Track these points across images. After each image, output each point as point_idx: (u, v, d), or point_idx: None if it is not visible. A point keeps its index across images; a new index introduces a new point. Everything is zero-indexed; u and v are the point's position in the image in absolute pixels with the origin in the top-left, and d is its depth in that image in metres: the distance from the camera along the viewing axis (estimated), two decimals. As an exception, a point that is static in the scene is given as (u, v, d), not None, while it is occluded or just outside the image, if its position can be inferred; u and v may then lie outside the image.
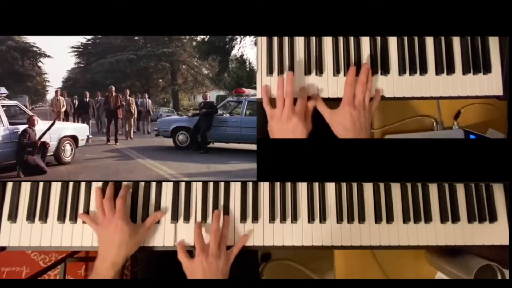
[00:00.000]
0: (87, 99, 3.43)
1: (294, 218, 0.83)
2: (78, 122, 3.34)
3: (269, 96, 0.82)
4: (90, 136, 2.66)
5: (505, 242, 0.83)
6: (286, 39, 0.85)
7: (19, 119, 2.23)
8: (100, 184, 0.83)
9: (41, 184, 0.83)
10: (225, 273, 0.77)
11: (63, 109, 3.23)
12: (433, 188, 0.85)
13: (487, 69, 0.85)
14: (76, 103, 3.47)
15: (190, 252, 0.79)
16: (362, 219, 0.83)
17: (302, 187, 0.84)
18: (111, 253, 0.75)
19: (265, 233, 0.82)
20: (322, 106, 0.82)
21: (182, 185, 0.84)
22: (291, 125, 0.78)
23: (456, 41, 0.86)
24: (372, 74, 0.84)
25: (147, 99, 3.79)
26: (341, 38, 0.85)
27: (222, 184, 0.85)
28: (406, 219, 0.83)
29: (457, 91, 0.85)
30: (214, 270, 0.75)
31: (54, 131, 2.22)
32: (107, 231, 0.76)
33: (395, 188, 0.85)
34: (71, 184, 0.83)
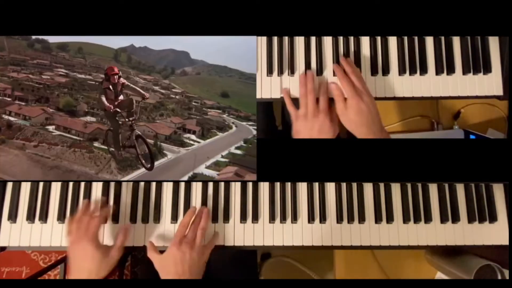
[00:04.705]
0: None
1: (294, 218, 0.83)
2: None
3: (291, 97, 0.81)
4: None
5: (505, 242, 0.83)
6: (286, 39, 0.85)
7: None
8: (100, 184, 0.83)
9: (41, 184, 0.83)
10: (199, 267, 0.73)
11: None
12: (433, 188, 0.85)
13: (487, 69, 0.85)
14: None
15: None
16: (362, 219, 0.83)
17: (302, 187, 0.84)
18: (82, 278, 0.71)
19: (265, 233, 0.82)
20: (339, 97, 0.78)
21: (182, 185, 0.84)
22: (318, 123, 0.76)
23: (456, 41, 0.86)
24: (372, 74, 0.84)
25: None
26: (341, 38, 0.85)
27: (222, 184, 0.85)
28: (406, 219, 0.83)
29: (457, 91, 0.85)
30: (188, 260, 0.71)
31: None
32: (75, 254, 0.73)
33: (395, 188, 0.85)
34: (71, 184, 0.84)
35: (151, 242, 0.78)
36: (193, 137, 1.97)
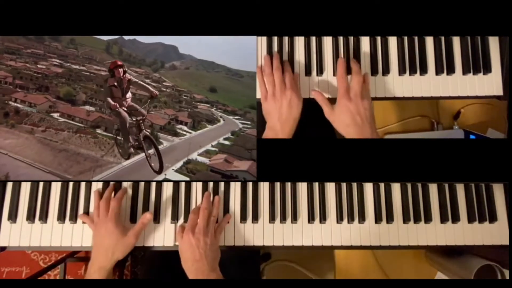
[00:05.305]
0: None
1: (294, 218, 0.83)
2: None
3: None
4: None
5: (505, 242, 0.83)
6: (286, 39, 0.85)
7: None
8: (100, 184, 0.83)
9: (41, 184, 0.83)
10: (214, 251, 0.75)
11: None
12: (433, 188, 0.85)
13: (487, 69, 0.85)
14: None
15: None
16: (362, 219, 0.83)
17: (302, 187, 0.84)
18: (99, 256, 0.74)
19: (265, 233, 0.82)
20: (323, 102, 0.80)
21: (182, 185, 0.84)
22: (286, 99, 0.77)
23: (456, 41, 0.86)
24: (372, 74, 0.84)
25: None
26: (341, 38, 0.85)
27: (222, 184, 0.85)
28: (406, 219, 0.83)
29: (457, 91, 0.85)
30: (202, 246, 0.73)
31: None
32: (98, 233, 0.76)
33: (395, 188, 0.85)
34: (71, 184, 0.84)
35: (180, 227, 0.79)
36: (185, 128, 2.11)
